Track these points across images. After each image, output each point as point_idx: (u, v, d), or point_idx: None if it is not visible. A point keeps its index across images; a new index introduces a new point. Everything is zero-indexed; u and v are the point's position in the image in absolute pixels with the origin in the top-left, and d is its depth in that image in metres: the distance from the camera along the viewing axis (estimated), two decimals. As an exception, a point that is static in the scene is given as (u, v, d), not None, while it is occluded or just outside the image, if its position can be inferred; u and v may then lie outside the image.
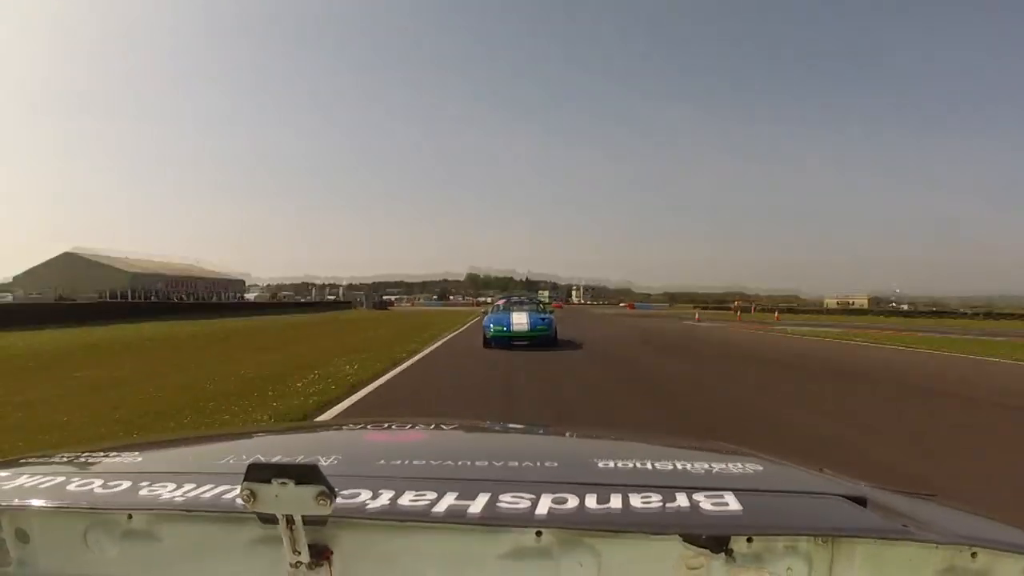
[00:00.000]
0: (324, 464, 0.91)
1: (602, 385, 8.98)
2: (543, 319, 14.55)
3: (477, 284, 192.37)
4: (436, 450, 1.17)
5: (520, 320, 13.82)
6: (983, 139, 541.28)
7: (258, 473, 0.61)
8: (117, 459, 1.04)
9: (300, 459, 0.98)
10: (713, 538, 0.68)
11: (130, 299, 45.44)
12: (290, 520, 0.65)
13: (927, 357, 14.44)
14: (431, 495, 0.74)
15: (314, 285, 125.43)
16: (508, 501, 0.72)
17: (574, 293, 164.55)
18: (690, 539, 0.68)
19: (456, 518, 0.69)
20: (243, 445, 1.28)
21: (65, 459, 1.06)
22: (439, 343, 16.61)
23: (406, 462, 0.95)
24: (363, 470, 0.92)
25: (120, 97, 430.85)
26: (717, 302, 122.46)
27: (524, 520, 0.68)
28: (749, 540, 0.69)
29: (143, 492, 0.79)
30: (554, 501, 0.72)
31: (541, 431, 1.70)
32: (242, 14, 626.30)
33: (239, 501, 0.64)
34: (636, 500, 0.74)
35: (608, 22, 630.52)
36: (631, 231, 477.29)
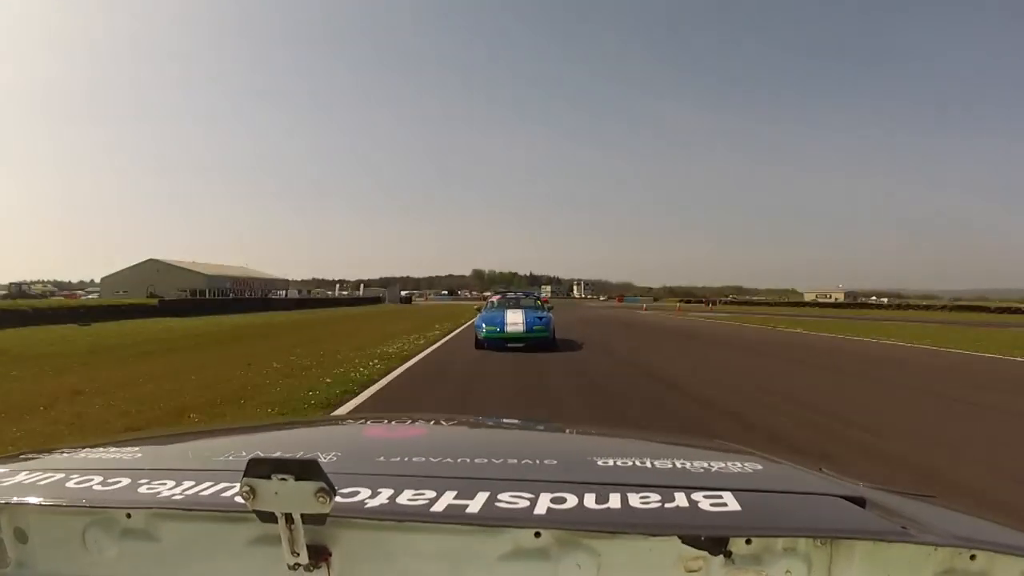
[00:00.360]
0: (324, 460, 0.88)
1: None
2: (540, 318, 12.83)
3: (483, 280, 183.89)
4: (436, 447, 1.16)
5: (515, 320, 12.44)
6: (985, 137, 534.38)
7: (258, 469, 0.60)
8: (116, 455, 1.02)
9: (300, 455, 0.97)
10: (712, 539, 0.67)
11: (208, 297, 50.11)
12: (289, 519, 0.63)
13: (754, 330, 22.16)
14: (430, 493, 0.72)
15: (339, 282, 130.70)
16: (507, 500, 0.70)
17: (575, 289, 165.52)
18: (689, 540, 0.67)
19: (455, 517, 0.67)
20: (243, 441, 1.25)
21: (64, 456, 1.04)
22: (465, 326, 20.55)
23: (405, 459, 0.94)
24: (362, 467, 0.90)
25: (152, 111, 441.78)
26: (733, 297, 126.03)
27: (523, 519, 0.67)
28: (748, 541, 0.68)
29: (142, 489, 0.76)
30: (553, 500, 0.71)
31: (541, 428, 1.70)
32: (261, 24, 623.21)
33: (239, 498, 0.62)
34: (635, 500, 0.72)
35: (608, 22, 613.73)
36: (632, 229, 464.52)
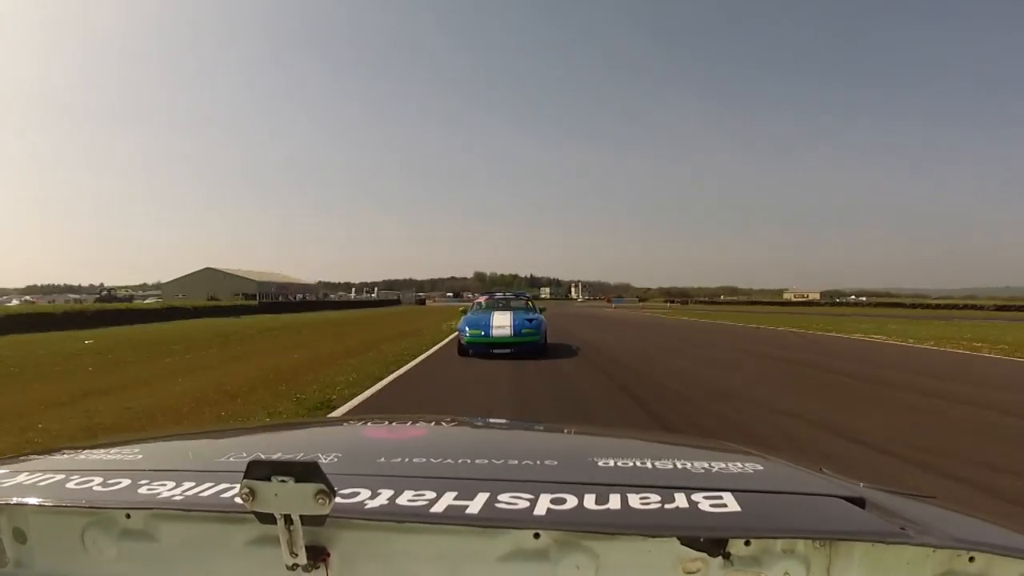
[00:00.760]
0: (324, 462, 0.85)
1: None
2: (530, 321, 11.03)
3: (484, 282, 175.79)
4: (435, 448, 1.12)
5: (502, 323, 10.75)
6: (990, 135, 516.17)
7: (258, 470, 0.58)
8: (116, 457, 0.98)
9: (300, 456, 0.93)
10: (711, 540, 0.64)
11: (259, 301, 53.01)
12: (288, 520, 0.61)
13: (667, 319, 29.24)
14: (430, 494, 0.69)
15: (354, 285, 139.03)
16: (507, 501, 0.68)
17: (573, 290, 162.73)
18: (688, 541, 0.65)
19: (455, 518, 0.65)
20: (242, 442, 1.20)
21: (64, 457, 1.01)
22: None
23: (405, 460, 0.90)
24: (362, 468, 0.87)
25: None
26: (709, 298, 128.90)
27: (522, 520, 0.64)
28: (747, 542, 0.65)
29: (142, 490, 0.73)
30: (553, 501, 0.68)
31: (541, 429, 1.66)
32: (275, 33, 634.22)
33: (238, 499, 0.60)
34: (635, 500, 0.69)
35: (609, 21, 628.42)
36: (631, 232, 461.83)
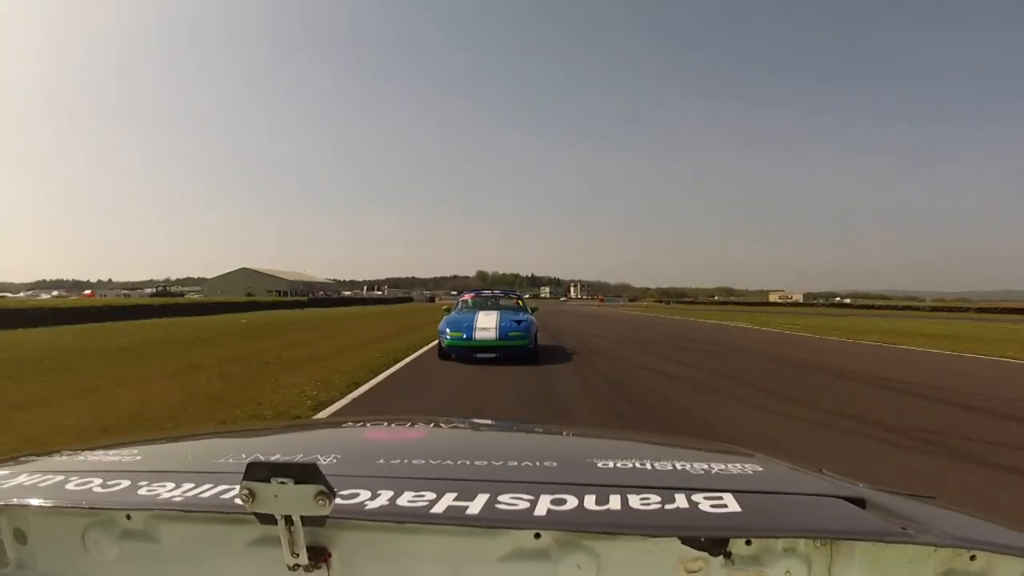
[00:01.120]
0: (323, 463, 0.82)
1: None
2: (519, 322, 9.27)
3: (486, 281, 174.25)
4: (435, 449, 1.11)
5: (486, 324, 9.14)
6: (991, 135, 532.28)
7: (257, 472, 0.57)
8: (116, 458, 0.97)
9: (299, 458, 0.91)
10: (712, 540, 0.64)
11: (308, 297, 56.50)
12: (289, 520, 0.60)
13: (634, 314, 34.07)
14: (430, 495, 0.68)
15: (358, 283, 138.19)
16: (507, 502, 0.66)
17: (572, 290, 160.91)
18: (689, 541, 0.64)
19: (455, 519, 0.63)
20: (242, 443, 1.19)
21: (64, 458, 0.99)
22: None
23: (405, 461, 0.88)
24: (362, 469, 0.85)
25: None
26: (706, 298, 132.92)
27: (523, 521, 0.63)
28: (748, 542, 0.64)
29: (142, 491, 0.71)
30: (553, 502, 0.66)
31: (541, 430, 1.65)
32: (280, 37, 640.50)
33: (238, 501, 0.59)
34: (635, 501, 0.68)
35: (610, 22, 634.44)
36: (631, 233, 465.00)
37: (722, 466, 0.86)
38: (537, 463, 0.88)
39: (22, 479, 0.79)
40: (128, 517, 0.71)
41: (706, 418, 5.23)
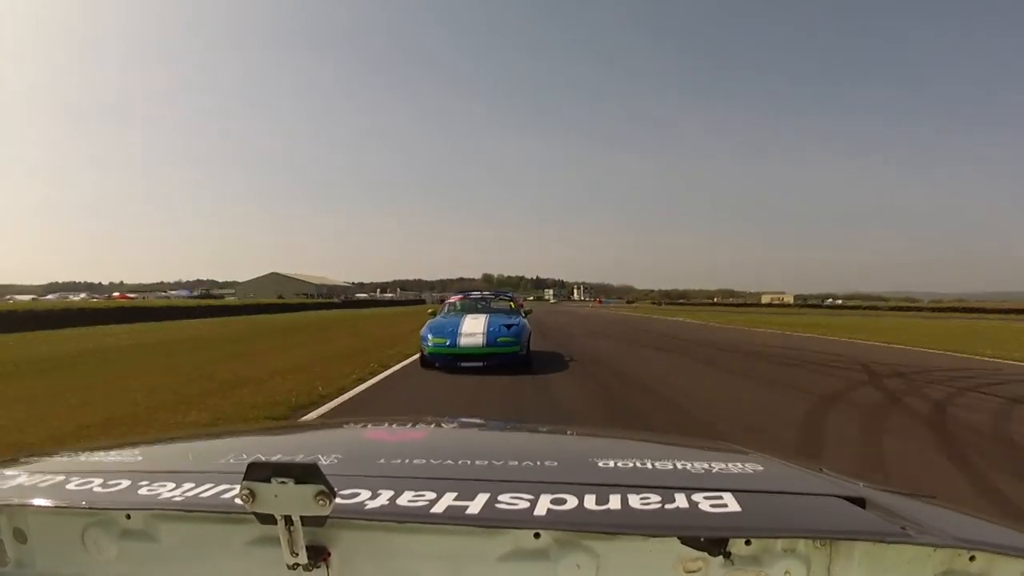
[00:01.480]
0: (324, 463, 0.79)
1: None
2: (509, 327, 7.90)
3: (492, 283, 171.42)
4: (436, 449, 1.09)
5: (473, 329, 7.86)
6: (991, 135, 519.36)
7: (258, 472, 0.56)
8: (116, 458, 0.96)
9: (300, 458, 0.88)
10: (711, 540, 0.62)
11: (317, 299, 57.38)
12: (288, 520, 0.58)
13: (621, 313, 36.73)
14: (430, 495, 0.65)
15: (366, 285, 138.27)
16: (507, 501, 0.64)
17: (576, 292, 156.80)
18: (688, 541, 0.62)
19: (455, 518, 0.61)
20: (242, 443, 1.15)
21: (64, 458, 0.97)
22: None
23: (405, 461, 0.87)
24: (362, 469, 0.83)
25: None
26: (704, 299, 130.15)
27: (523, 520, 0.61)
28: (747, 542, 0.63)
29: (142, 491, 0.69)
30: (553, 501, 0.64)
31: (541, 430, 1.64)
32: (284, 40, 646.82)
33: (238, 500, 0.57)
34: (635, 501, 0.65)
35: (612, 22, 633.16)
36: (635, 235, 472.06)
37: (722, 465, 0.83)
38: (537, 463, 0.85)
39: (22, 479, 0.75)
40: (128, 517, 0.68)
41: (586, 342, 11.22)
